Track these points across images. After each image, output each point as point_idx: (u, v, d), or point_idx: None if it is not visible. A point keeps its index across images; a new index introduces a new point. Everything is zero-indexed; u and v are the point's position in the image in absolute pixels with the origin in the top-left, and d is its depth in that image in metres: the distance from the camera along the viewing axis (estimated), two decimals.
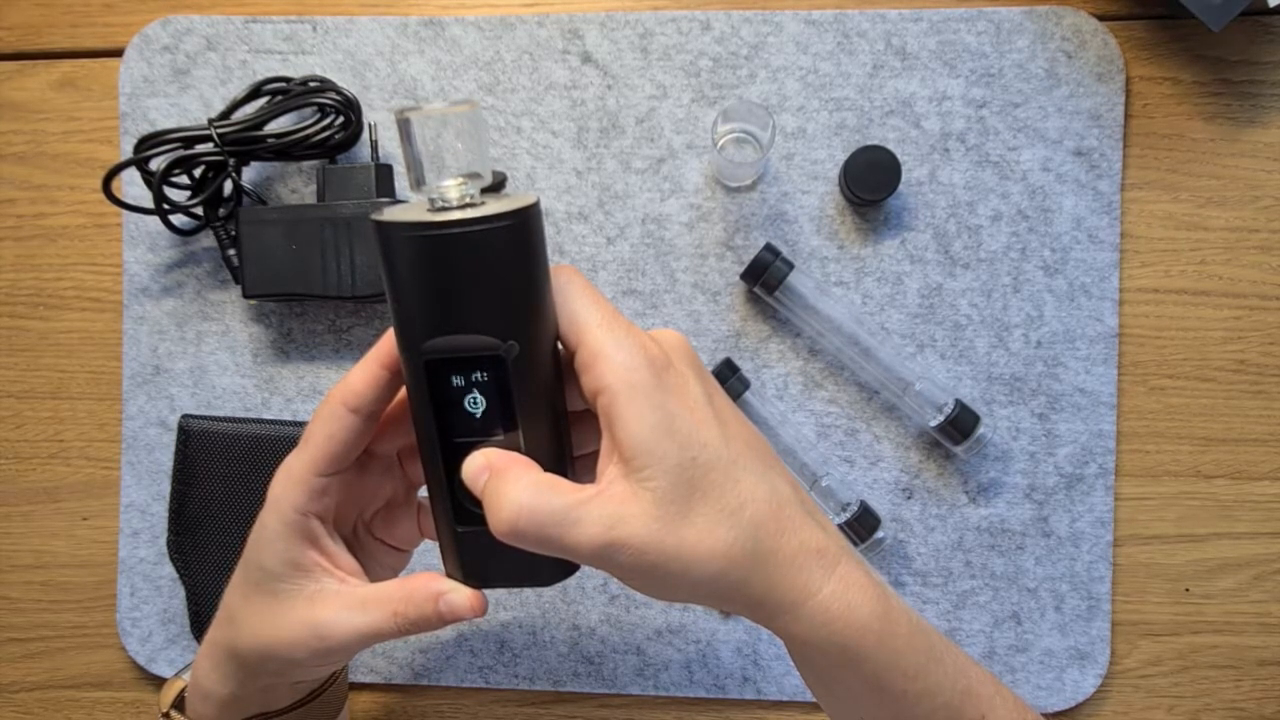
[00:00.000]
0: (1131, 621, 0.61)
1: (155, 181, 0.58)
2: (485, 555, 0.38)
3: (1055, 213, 0.60)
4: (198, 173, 0.60)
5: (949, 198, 0.61)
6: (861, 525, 0.59)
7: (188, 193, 0.60)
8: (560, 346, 0.37)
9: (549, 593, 0.62)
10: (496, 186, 0.34)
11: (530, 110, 0.62)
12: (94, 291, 0.64)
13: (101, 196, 0.59)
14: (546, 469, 0.36)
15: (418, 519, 0.44)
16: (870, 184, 0.59)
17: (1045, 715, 0.61)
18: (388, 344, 0.38)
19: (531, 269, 0.35)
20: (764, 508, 0.36)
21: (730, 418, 0.37)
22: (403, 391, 0.39)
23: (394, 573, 0.45)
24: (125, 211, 0.61)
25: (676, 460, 0.35)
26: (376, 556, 0.44)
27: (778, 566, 0.36)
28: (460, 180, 0.35)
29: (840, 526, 0.59)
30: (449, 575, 0.39)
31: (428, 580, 0.39)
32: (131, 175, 0.61)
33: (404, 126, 0.35)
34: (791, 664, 0.61)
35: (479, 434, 0.36)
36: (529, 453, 0.36)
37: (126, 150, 0.63)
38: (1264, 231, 0.61)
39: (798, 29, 0.61)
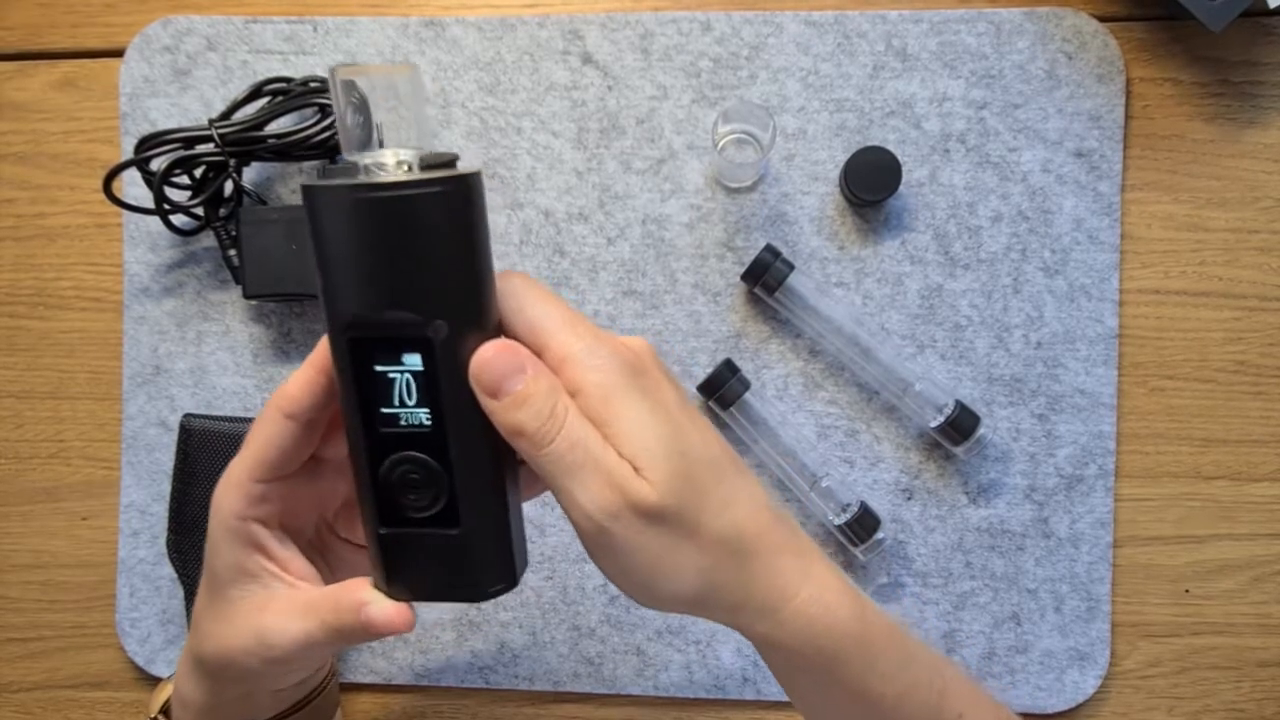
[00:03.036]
0: (1131, 622, 0.61)
1: (156, 182, 0.58)
2: (413, 562, 0.36)
3: (1055, 214, 0.60)
4: (198, 173, 0.60)
5: (949, 199, 0.61)
6: (861, 526, 0.59)
7: (188, 193, 0.60)
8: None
9: (549, 592, 0.62)
10: (445, 164, 0.31)
11: (530, 111, 0.62)
12: (94, 291, 0.64)
13: (102, 196, 0.59)
14: (477, 468, 0.35)
15: None
16: (871, 185, 0.59)
17: (1045, 716, 0.61)
18: (325, 349, 0.36)
19: (466, 243, 0.33)
20: (744, 510, 0.36)
21: (702, 423, 0.37)
22: None
23: (364, 570, 0.44)
24: (126, 211, 0.61)
25: (669, 452, 0.34)
26: (344, 557, 0.42)
27: (758, 569, 0.36)
28: (396, 150, 0.33)
29: (840, 527, 0.59)
30: (374, 584, 0.37)
31: (354, 588, 0.37)
32: (132, 175, 0.61)
33: (339, 88, 0.33)
34: None
35: (406, 426, 0.34)
36: (456, 447, 0.34)
37: (127, 150, 0.63)
38: (1264, 232, 0.61)
39: (798, 30, 0.61)
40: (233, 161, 0.59)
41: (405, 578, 0.36)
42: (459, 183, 0.32)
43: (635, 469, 0.34)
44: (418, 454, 0.34)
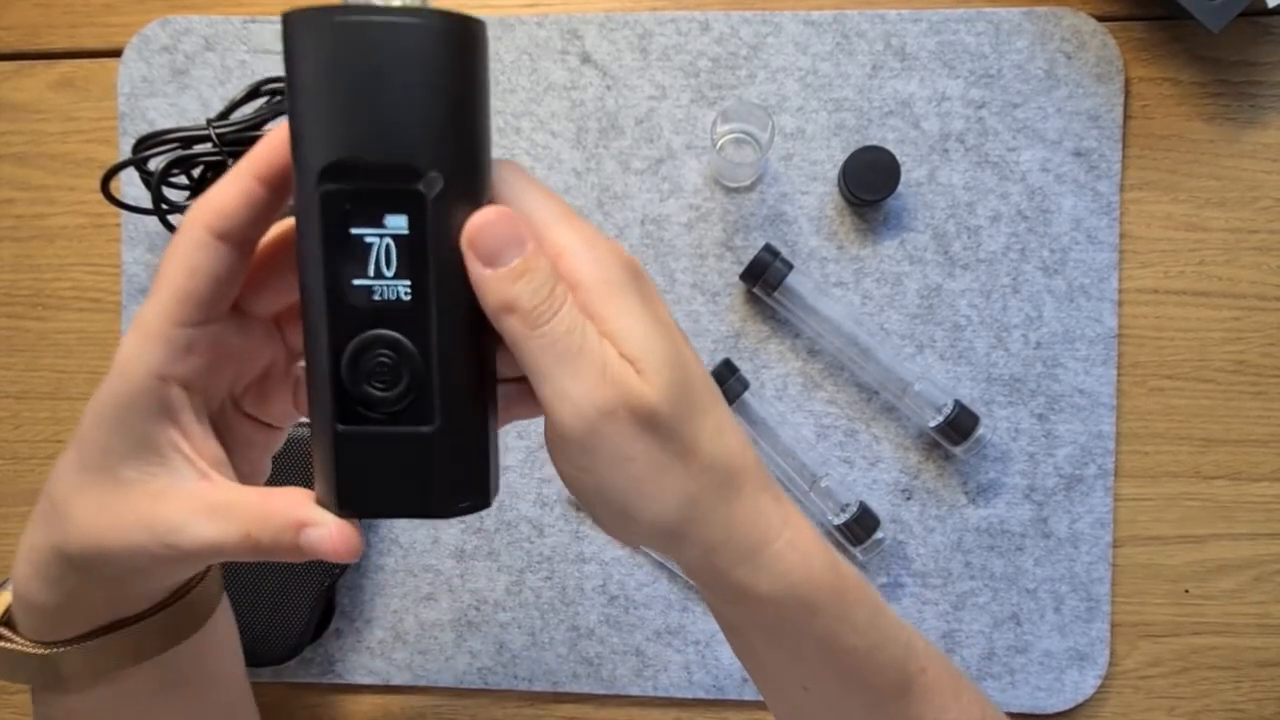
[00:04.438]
0: (1131, 622, 0.61)
1: (154, 181, 0.58)
2: (372, 467, 0.30)
3: (1054, 213, 0.60)
4: (196, 173, 0.60)
5: (948, 198, 0.61)
6: (861, 526, 0.59)
7: (186, 193, 0.60)
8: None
9: (548, 592, 0.62)
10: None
11: (529, 111, 0.62)
12: (93, 292, 0.64)
13: (100, 197, 0.59)
14: (458, 355, 0.30)
15: (293, 391, 0.36)
16: (869, 184, 0.59)
17: (1045, 716, 0.61)
18: (268, 150, 0.30)
19: (467, 91, 0.29)
20: (735, 441, 0.33)
21: (693, 348, 0.35)
22: (278, 230, 0.33)
23: (266, 452, 0.37)
24: (124, 212, 0.61)
25: (671, 361, 0.31)
26: (245, 435, 0.36)
27: (741, 506, 0.33)
28: None
29: (839, 527, 0.59)
30: (319, 496, 0.31)
31: (291, 504, 0.31)
32: (130, 175, 0.61)
33: None
34: None
35: (380, 301, 0.29)
36: (438, 328, 0.30)
37: (125, 150, 0.63)
38: (1263, 232, 0.60)
39: (797, 29, 0.61)
40: (231, 161, 0.59)
41: (361, 487, 0.31)
42: (463, 22, 0.29)
43: (636, 370, 0.30)
44: (392, 333, 0.30)
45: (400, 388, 0.30)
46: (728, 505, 0.33)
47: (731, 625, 0.38)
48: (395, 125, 0.28)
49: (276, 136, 0.30)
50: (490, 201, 0.31)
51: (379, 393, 0.30)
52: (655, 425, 0.31)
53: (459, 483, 0.31)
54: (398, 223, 0.29)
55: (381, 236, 0.29)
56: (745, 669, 0.40)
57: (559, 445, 0.31)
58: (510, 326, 0.30)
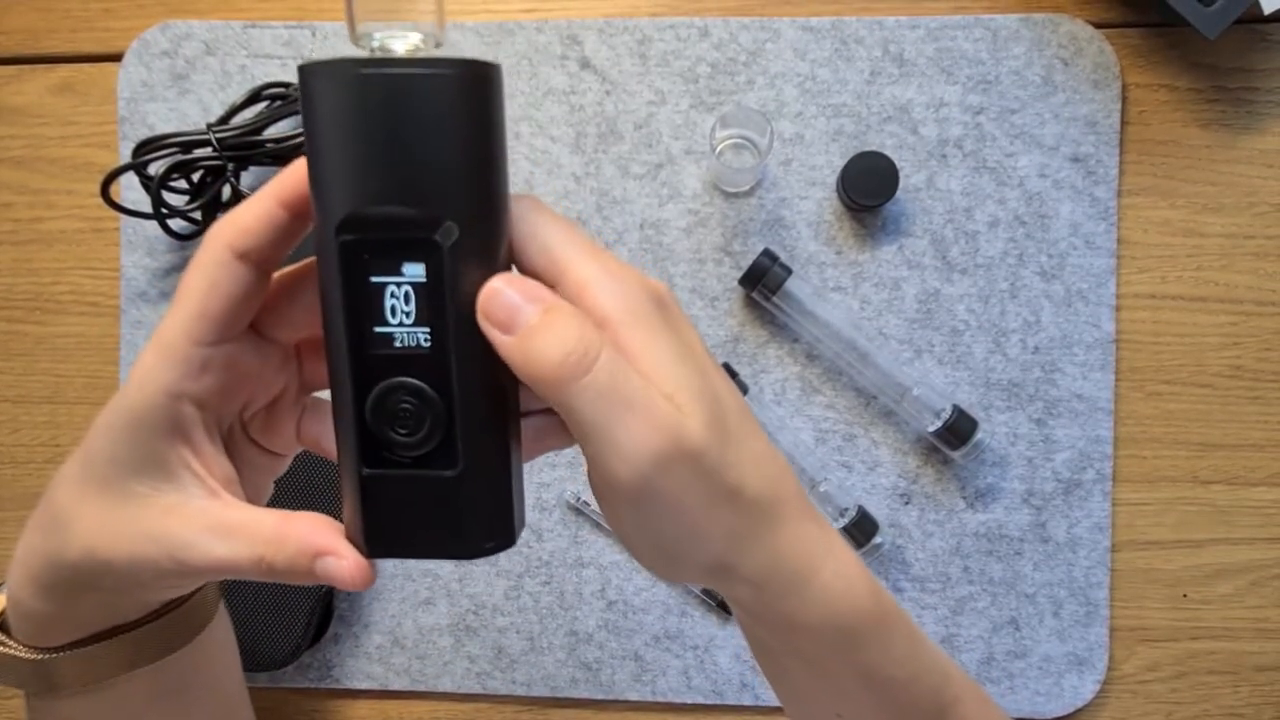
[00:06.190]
0: (1129, 627, 0.61)
1: (153, 186, 0.58)
2: (399, 511, 0.31)
3: (1052, 218, 0.61)
4: (196, 177, 0.60)
5: (946, 203, 0.61)
6: (859, 530, 0.59)
7: (186, 197, 0.60)
8: (514, 269, 0.32)
9: (547, 597, 0.62)
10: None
11: (529, 115, 0.62)
12: (91, 296, 0.64)
13: (99, 201, 0.59)
14: (480, 400, 0.30)
15: (299, 422, 0.36)
16: (868, 190, 0.59)
17: None
18: (291, 178, 0.30)
19: (483, 138, 0.30)
20: (776, 469, 0.32)
21: (724, 374, 0.34)
22: (307, 265, 0.34)
23: (270, 476, 0.37)
24: (123, 216, 0.61)
25: (706, 393, 0.30)
26: (250, 459, 0.36)
27: (786, 538, 0.33)
28: (407, 33, 0.30)
29: (838, 532, 0.59)
30: (348, 532, 0.32)
31: (308, 530, 0.31)
32: (130, 180, 0.61)
33: None
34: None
35: (400, 348, 0.30)
36: (459, 374, 0.30)
37: (125, 155, 0.63)
38: (1260, 237, 0.61)
39: (795, 36, 0.61)
40: (231, 166, 0.59)
41: (389, 530, 0.31)
42: (479, 69, 0.29)
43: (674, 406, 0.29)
44: (414, 380, 0.30)
45: (423, 433, 0.30)
46: (773, 535, 0.32)
47: (767, 649, 0.38)
48: (412, 178, 0.29)
49: (302, 166, 0.30)
50: (509, 241, 0.31)
51: (403, 438, 0.30)
52: (701, 465, 0.30)
53: (484, 525, 0.31)
54: (416, 271, 0.29)
55: (400, 285, 0.29)
56: (774, 690, 0.40)
57: (609, 498, 0.31)
58: (546, 383, 0.29)
